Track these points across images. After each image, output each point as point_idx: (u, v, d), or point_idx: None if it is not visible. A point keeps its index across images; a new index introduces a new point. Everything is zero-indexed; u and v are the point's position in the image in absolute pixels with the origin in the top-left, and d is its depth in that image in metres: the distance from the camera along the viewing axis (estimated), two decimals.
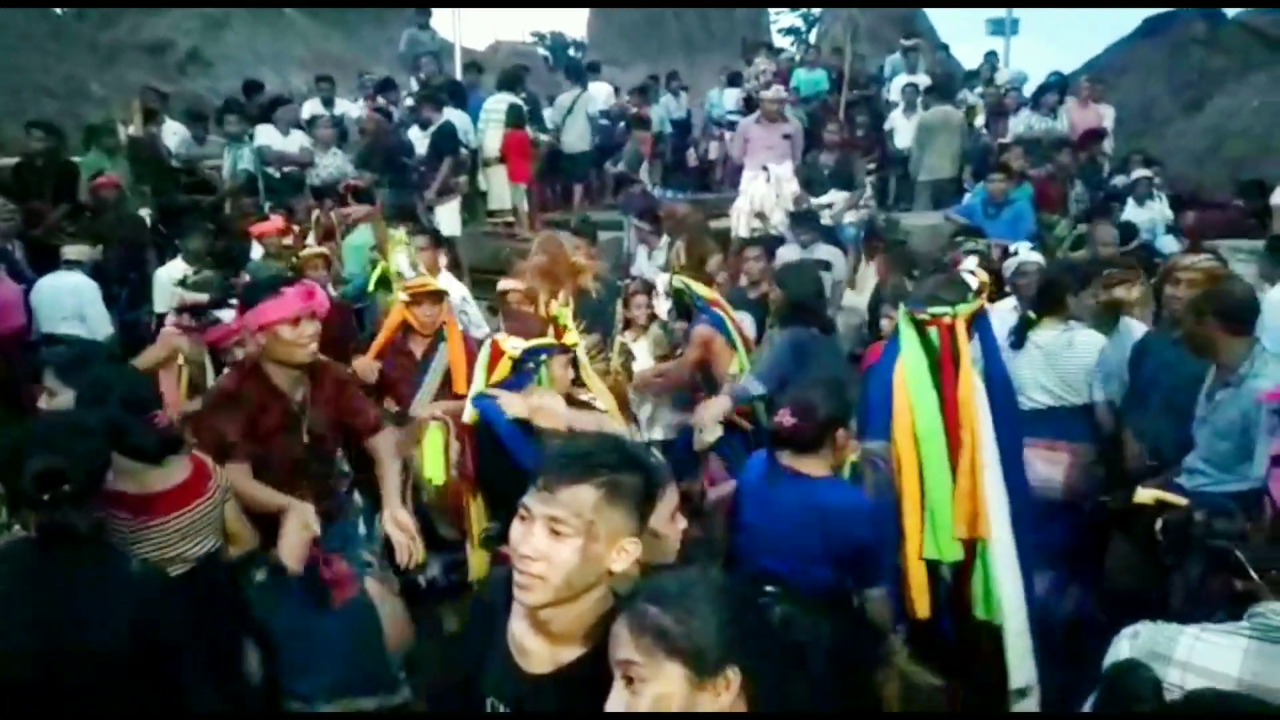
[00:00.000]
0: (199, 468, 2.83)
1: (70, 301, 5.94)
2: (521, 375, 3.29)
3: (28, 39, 12.24)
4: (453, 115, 9.23)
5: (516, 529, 1.60)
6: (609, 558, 1.58)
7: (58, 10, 14.25)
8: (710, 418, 4.43)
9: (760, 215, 8.17)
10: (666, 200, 8.26)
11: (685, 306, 5.07)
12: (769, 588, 1.65)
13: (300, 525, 2.85)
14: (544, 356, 3.32)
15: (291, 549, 2.81)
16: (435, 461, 3.63)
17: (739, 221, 8.15)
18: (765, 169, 8.23)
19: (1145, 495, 3.08)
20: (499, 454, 3.11)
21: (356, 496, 3.81)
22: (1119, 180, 9.53)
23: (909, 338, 3.12)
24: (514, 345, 3.20)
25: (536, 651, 1.66)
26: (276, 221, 6.47)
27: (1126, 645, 1.68)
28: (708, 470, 4.78)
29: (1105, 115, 10.49)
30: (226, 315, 4.46)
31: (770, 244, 6.75)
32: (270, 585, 2.85)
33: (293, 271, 5.14)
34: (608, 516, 1.56)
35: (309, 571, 2.86)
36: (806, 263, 6.06)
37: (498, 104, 9.60)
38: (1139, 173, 8.98)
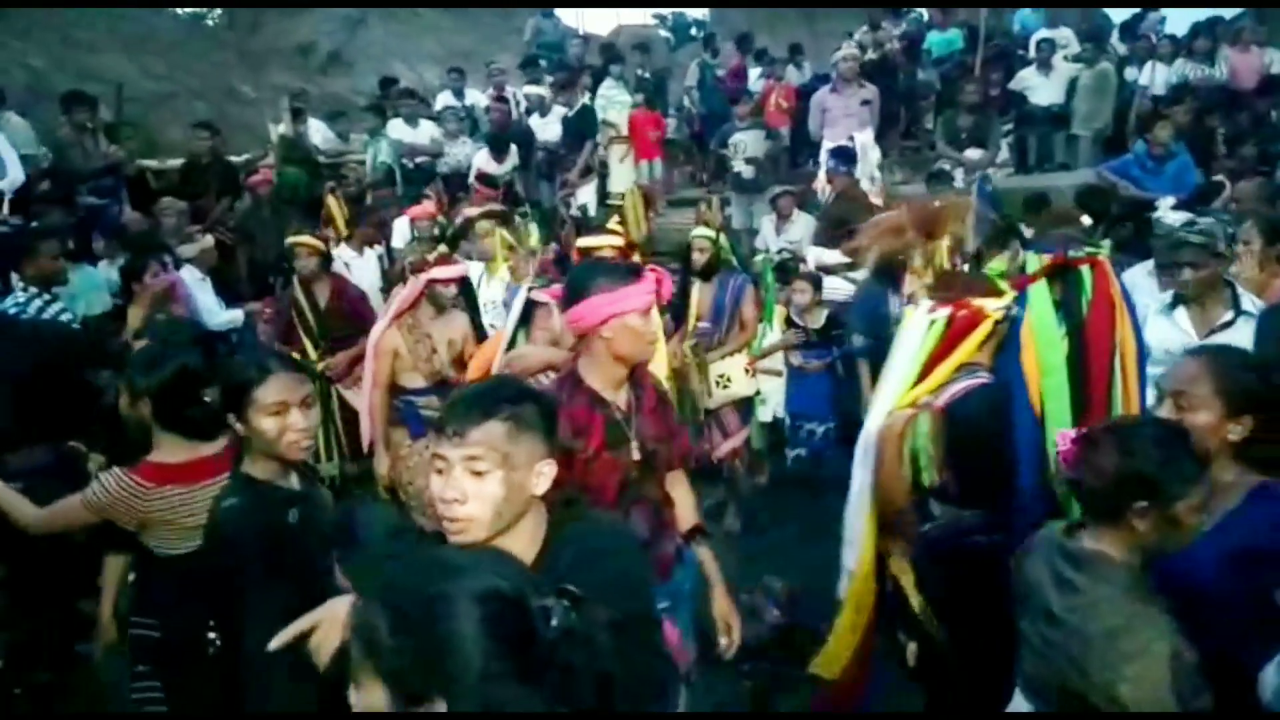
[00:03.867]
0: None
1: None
2: (1009, 341, 2.61)
3: (180, 47, 13.02)
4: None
5: (437, 482, 1.69)
6: (530, 483, 1.72)
7: (209, 21, 15.13)
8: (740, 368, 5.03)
9: None
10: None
11: (709, 264, 5.01)
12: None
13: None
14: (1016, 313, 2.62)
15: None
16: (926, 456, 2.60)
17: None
18: (851, 139, 8.19)
19: None
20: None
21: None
22: None
23: (1039, 288, 2.68)
24: (996, 305, 2.57)
25: None
26: (428, 206, 6.74)
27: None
28: (722, 423, 5.13)
29: (1271, 59, 9.71)
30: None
31: None
32: None
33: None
34: (520, 445, 1.69)
35: None
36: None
37: (609, 89, 9.74)
38: None
